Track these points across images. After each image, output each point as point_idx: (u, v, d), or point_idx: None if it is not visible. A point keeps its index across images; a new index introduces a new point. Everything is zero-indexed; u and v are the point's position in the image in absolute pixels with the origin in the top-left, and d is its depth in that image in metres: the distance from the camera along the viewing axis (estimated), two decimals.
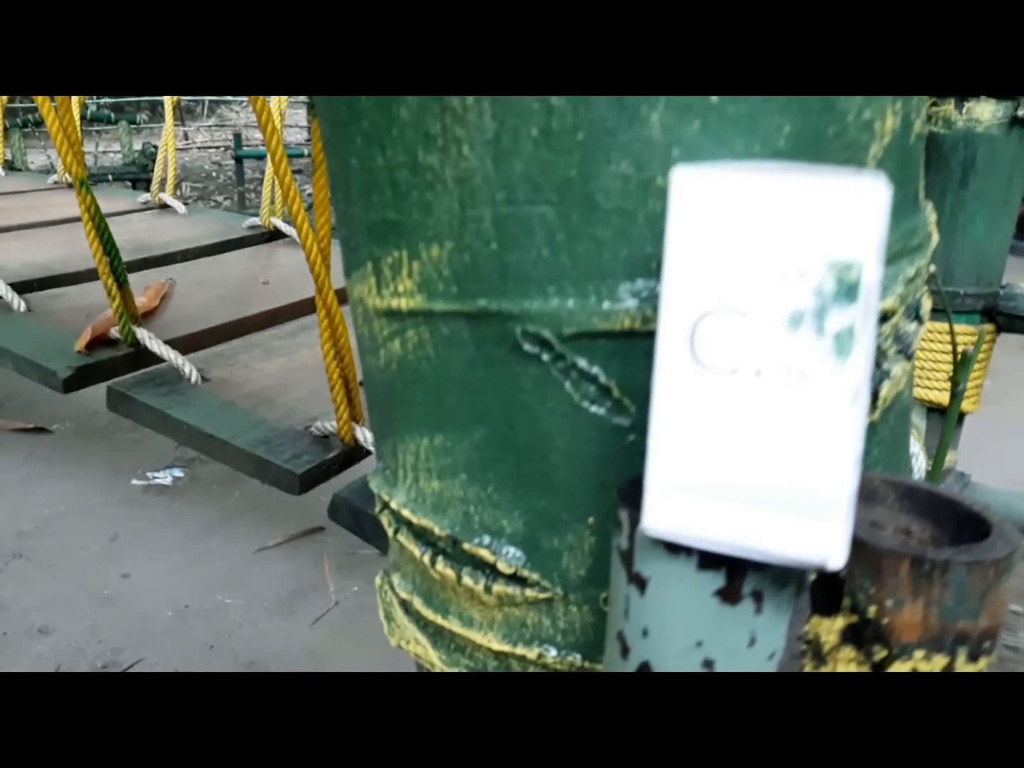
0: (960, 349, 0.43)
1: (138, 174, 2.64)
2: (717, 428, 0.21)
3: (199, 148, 5.40)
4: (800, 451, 0.20)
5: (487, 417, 0.29)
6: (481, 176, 0.26)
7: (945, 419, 0.51)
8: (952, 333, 0.41)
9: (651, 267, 0.25)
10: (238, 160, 3.90)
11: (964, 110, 0.87)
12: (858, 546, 0.24)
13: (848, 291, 0.19)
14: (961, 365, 0.41)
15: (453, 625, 0.32)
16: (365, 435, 0.72)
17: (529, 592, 0.30)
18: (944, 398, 0.93)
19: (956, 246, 0.91)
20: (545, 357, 0.27)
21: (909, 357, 0.29)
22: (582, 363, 0.27)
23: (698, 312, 0.21)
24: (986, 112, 0.86)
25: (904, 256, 0.28)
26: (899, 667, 0.25)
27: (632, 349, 0.26)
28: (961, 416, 0.97)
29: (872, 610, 0.24)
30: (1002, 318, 0.91)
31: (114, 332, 0.86)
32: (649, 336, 0.26)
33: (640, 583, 0.24)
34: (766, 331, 0.20)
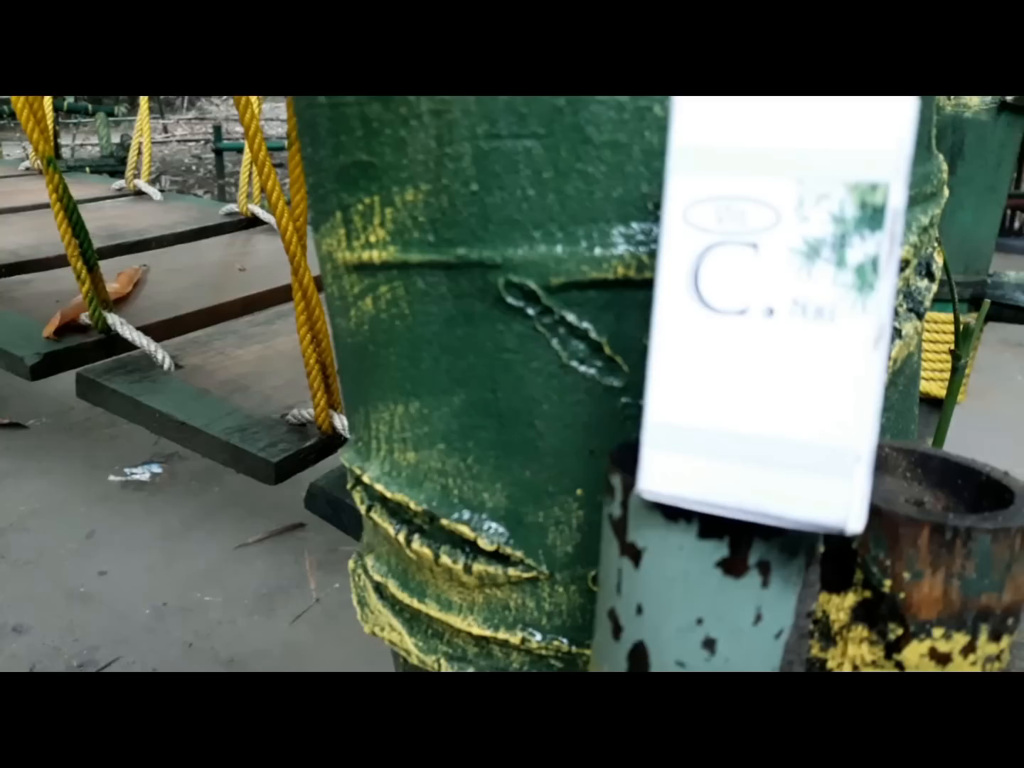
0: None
1: (116, 166, 2.59)
2: (723, 376, 0.19)
3: (179, 141, 5.33)
4: (816, 400, 0.18)
5: (467, 380, 0.26)
6: (460, 107, 0.23)
7: (943, 409, 0.50)
8: (955, 301, 0.39)
9: (647, 208, 0.23)
10: (218, 153, 3.86)
11: (952, 96, 0.86)
12: (873, 513, 0.22)
13: (872, 216, 0.17)
14: (963, 338, 0.39)
15: (431, 609, 0.30)
16: (343, 423, 0.69)
17: (512, 571, 0.28)
18: (933, 387, 0.92)
19: (944, 234, 0.90)
20: (530, 311, 0.24)
21: (920, 316, 0.27)
22: (571, 317, 0.24)
23: (702, 245, 0.18)
24: (974, 98, 0.85)
25: (918, 203, 0.26)
26: (916, 647, 0.23)
27: (626, 301, 0.24)
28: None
29: (887, 584, 0.22)
30: (989, 306, 0.90)
31: (84, 318, 0.83)
32: (645, 286, 0.24)
33: (634, 555, 0.22)
34: (779, 265, 0.18)
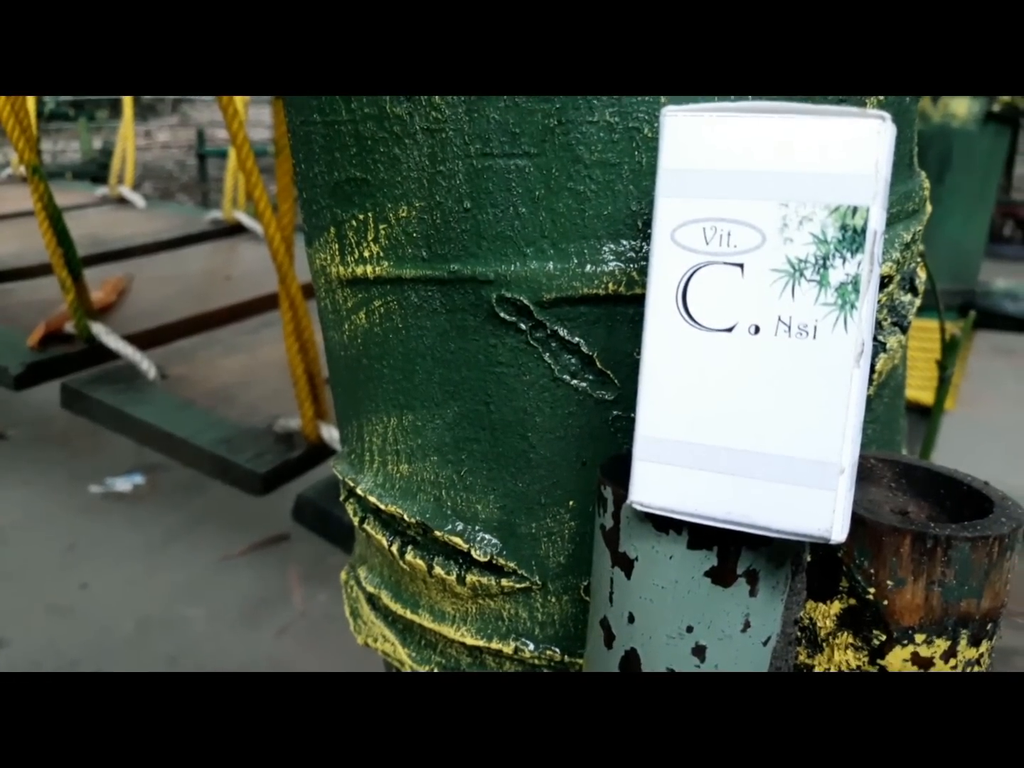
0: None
1: (98, 172, 2.57)
2: (710, 392, 0.19)
3: (162, 147, 5.30)
4: (800, 415, 0.19)
5: (460, 393, 0.27)
6: (453, 126, 0.24)
7: (931, 418, 0.51)
8: (940, 312, 0.40)
9: (637, 225, 0.23)
10: (201, 158, 3.84)
11: (939, 105, 0.87)
12: (857, 523, 0.22)
13: (853, 238, 0.18)
14: (949, 349, 0.40)
15: (424, 619, 0.30)
16: (331, 433, 0.69)
17: (505, 581, 0.28)
18: (922, 395, 0.94)
19: (932, 242, 0.92)
20: (523, 325, 0.25)
21: (904, 330, 0.28)
22: (563, 332, 0.25)
23: (690, 265, 0.19)
24: (961, 107, 0.87)
25: (900, 220, 0.27)
26: (899, 653, 0.23)
27: (616, 316, 0.24)
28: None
29: (871, 592, 0.23)
30: (978, 315, 0.91)
31: (69, 327, 0.83)
32: (635, 301, 0.24)
33: (626, 565, 0.22)
34: (764, 285, 0.18)
